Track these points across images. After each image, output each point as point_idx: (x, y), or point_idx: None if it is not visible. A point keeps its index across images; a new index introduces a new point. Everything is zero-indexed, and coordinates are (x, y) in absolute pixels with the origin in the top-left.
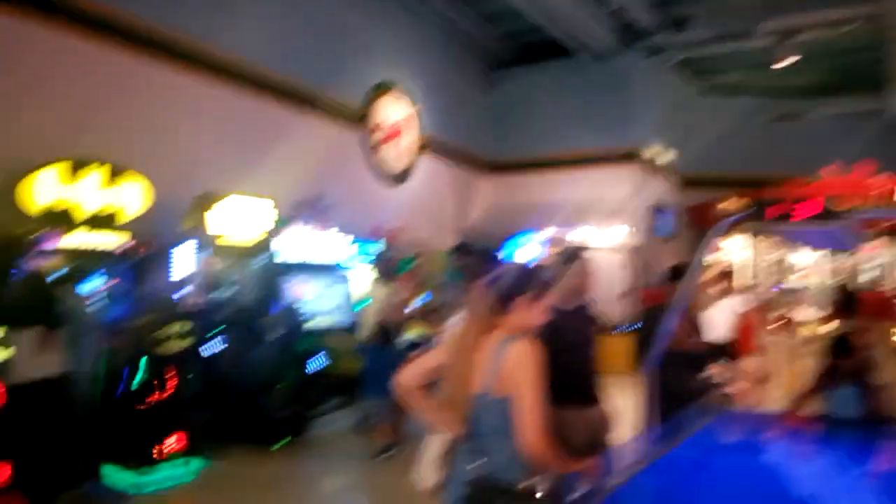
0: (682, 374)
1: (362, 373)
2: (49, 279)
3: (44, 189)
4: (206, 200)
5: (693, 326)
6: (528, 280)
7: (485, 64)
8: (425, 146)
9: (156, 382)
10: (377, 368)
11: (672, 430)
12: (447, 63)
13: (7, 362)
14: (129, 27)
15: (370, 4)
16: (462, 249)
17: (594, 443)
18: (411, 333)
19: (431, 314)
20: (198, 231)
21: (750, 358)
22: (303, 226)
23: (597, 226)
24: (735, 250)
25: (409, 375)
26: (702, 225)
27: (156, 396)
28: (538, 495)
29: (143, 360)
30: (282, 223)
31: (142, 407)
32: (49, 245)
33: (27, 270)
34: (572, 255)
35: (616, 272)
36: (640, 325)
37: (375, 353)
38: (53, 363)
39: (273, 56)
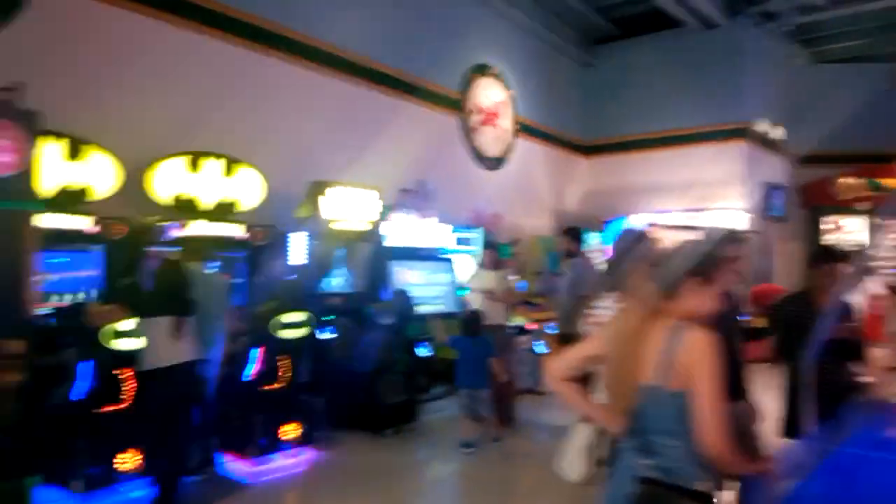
0: (836, 365)
1: (455, 362)
2: (179, 267)
3: (168, 180)
4: (319, 188)
5: (848, 312)
6: (701, 262)
7: (582, 41)
8: (521, 129)
9: (273, 370)
10: (469, 358)
11: (834, 426)
12: (542, 42)
13: (139, 350)
14: (243, 21)
15: None
16: (571, 233)
17: (743, 438)
18: (513, 321)
19: (530, 301)
20: (311, 219)
21: (881, 346)
22: (406, 213)
23: (704, 207)
24: (854, 231)
25: (559, 366)
26: (815, 205)
27: (273, 385)
28: (717, 498)
29: (260, 348)
30: (387, 210)
31: (259, 395)
32: (174, 234)
33: (159, 258)
34: (732, 238)
35: None
36: (773, 314)
37: (465, 342)
38: (184, 351)
39: (374, 46)
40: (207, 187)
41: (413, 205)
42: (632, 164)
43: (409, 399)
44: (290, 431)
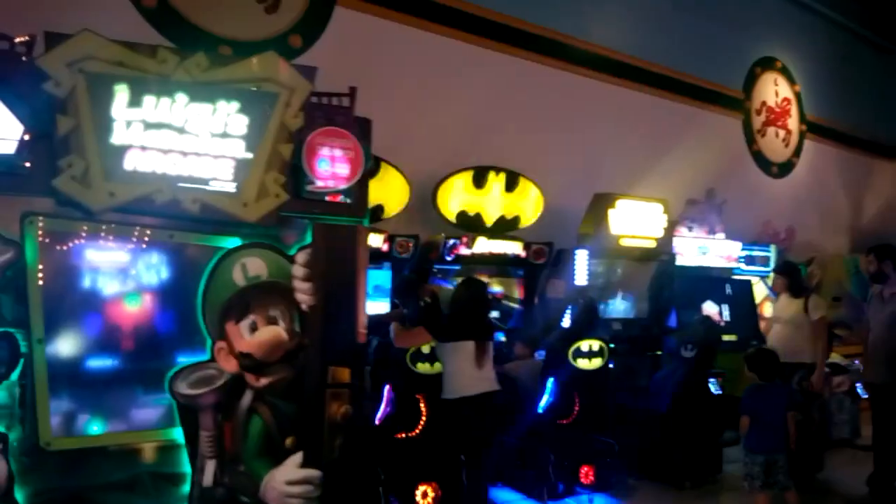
0: None
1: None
2: (480, 288)
3: (453, 196)
4: (606, 201)
5: None
6: None
7: (883, 31)
8: (810, 129)
9: (568, 404)
10: (761, 411)
11: None
12: (834, 28)
13: (438, 376)
14: (518, 30)
15: None
16: (886, 253)
17: None
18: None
19: (836, 330)
20: (596, 234)
21: None
22: (694, 228)
23: None
24: None
25: None
26: None
27: (567, 419)
28: None
29: (555, 377)
30: (673, 225)
31: (555, 430)
32: (461, 250)
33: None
34: None
35: None
36: None
37: (758, 393)
38: (485, 381)
39: (650, 47)
40: (490, 203)
41: (701, 218)
42: None
43: (710, 447)
44: (587, 474)
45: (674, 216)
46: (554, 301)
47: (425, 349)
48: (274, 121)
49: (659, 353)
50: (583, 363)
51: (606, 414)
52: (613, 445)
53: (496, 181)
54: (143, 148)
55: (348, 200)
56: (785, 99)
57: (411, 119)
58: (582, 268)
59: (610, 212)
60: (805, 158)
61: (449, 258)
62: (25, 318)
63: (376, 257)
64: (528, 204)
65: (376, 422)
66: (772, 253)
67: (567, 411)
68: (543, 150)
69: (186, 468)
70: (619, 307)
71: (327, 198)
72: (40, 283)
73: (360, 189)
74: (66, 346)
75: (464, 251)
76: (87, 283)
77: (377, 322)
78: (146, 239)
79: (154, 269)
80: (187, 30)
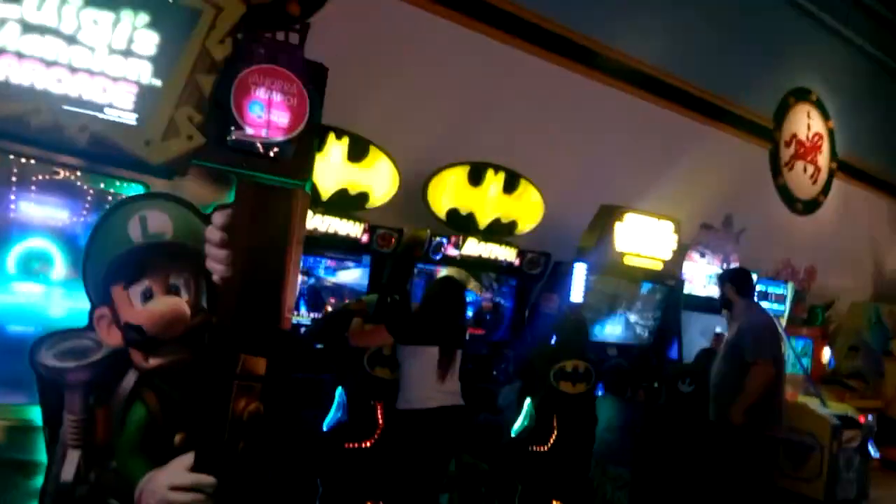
0: None
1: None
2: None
3: (445, 191)
4: (612, 213)
5: None
6: None
7: None
8: (840, 168)
9: (546, 429)
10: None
11: None
12: (874, 66)
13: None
14: (530, 23)
15: (785, 5)
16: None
17: None
18: (825, 406)
19: (843, 382)
20: (598, 249)
21: None
22: (706, 254)
23: None
24: None
25: None
26: None
27: (543, 447)
28: None
29: (530, 400)
30: (684, 248)
31: (528, 457)
32: (449, 250)
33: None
34: None
35: None
36: None
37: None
38: (448, 394)
39: (679, 61)
40: (486, 203)
41: (715, 246)
42: None
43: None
44: None
45: (685, 239)
46: (547, 317)
47: (386, 351)
48: (193, 43)
49: (655, 384)
50: (566, 386)
51: (589, 444)
52: (591, 481)
53: (494, 181)
54: (20, 56)
55: (285, 157)
56: (817, 134)
57: (407, 104)
58: (579, 283)
59: (616, 225)
60: (832, 198)
61: (436, 257)
62: None
63: (355, 249)
64: (527, 209)
65: (324, 428)
66: (788, 292)
67: (544, 438)
68: (548, 154)
69: (42, 457)
70: (615, 331)
71: (262, 152)
72: None
73: (302, 146)
74: None
75: (452, 252)
76: None
77: (336, 315)
78: (22, 171)
79: (28, 209)
80: None
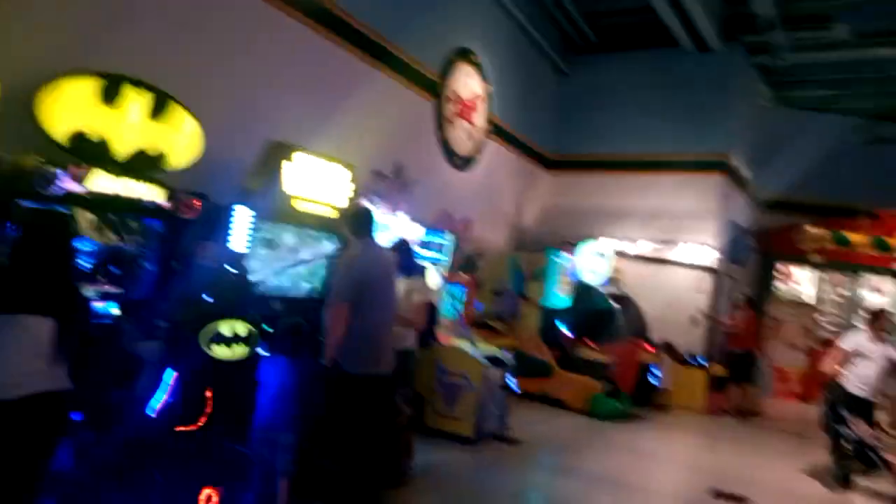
0: None
1: None
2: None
3: (67, 110)
4: (282, 152)
5: None
6: None
7: (562, 46)
8: (492, 130)
9: (195, 404)
10: None
11: None
12: (525, 39)
13: None
14: None
15: None
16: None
17: None
18: (476, 348)
19: (487, 324)
20: (265, 191)
21: None
22: (376, 201)
23: (673, 239)
24: (803, 284)
25: None
26: (772, 252)
27: (192, 425)
28: None
29: (177, 368)
30: (356, 196)
31: (172, 439)
32: (69, 185)
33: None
34: None
35: (690, 294)
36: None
37: None
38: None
39: (358, 3)
40: (124, 128)
41: (385, 193)
42: (599, 185)
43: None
44: (209, 499)
45: (360, 185)
46: (202, 269)
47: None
48: None
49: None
50: (221, 352)
51: (249, 418)
52: (250, 457)
53: (137, 101)
54: None
55: None
56: (476, 94)
57: None
58: (242, 229)
59: (285, 164)
60: (485, 156)
61: (51, 193)
62: None
63: None
64: (180, 140)
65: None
66: (448, 241)
67: (192, 415)
68: (212, 78)
69: None
70: (284, 282)
71: None
72: None
73: None
74: None
75: (74, 188)
76: None
77: None
78: None
79: None
80: None
